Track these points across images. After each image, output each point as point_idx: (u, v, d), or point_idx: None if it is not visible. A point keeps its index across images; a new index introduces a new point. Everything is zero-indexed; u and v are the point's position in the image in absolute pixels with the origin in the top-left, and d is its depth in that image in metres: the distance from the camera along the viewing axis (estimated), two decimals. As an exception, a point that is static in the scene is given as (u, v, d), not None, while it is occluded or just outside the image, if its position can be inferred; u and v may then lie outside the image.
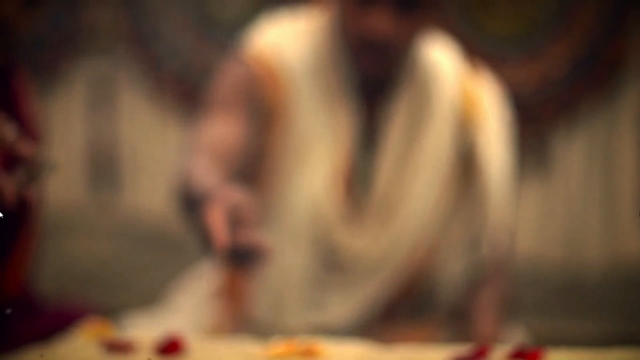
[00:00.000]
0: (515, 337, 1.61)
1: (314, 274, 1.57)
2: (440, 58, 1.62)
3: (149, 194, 3.33)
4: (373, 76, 1.57)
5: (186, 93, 3.25)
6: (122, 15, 3.30)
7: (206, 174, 1.33)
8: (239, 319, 1.57)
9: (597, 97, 3.00)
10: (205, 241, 1.07)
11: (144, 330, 1.50)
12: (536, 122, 3.03)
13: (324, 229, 1.56)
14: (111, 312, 1.49)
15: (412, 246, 1.58)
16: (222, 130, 1.52)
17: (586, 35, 2.99)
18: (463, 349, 1.16)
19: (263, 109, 1.56)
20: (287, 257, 1.56)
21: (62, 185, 3.31)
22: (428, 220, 1.58)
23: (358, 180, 1.58)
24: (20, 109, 1.36)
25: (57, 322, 1.29)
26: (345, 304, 1.57)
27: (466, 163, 1.61)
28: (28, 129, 1.36)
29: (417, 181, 1.58)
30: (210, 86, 1.62)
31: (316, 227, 1.56)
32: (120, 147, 3.36)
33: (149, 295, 2.07)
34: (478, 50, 2.85)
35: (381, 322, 1.58)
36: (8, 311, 1.13)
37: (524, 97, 2.97)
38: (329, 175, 1.56)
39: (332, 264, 1.57)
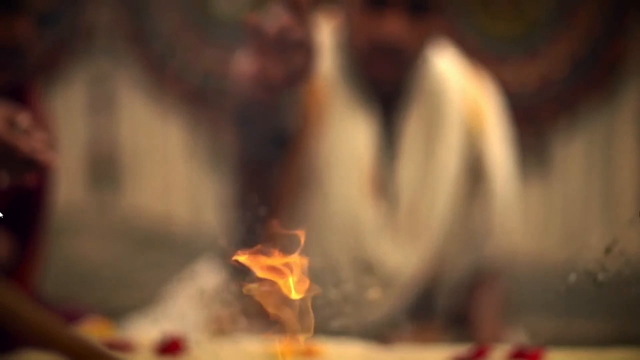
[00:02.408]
0: (516, 337, 1.61)
1: (349, 291, 1.55)
2: (448, 68, 1.62)
3: (149, 194, 3.33)
4: (383, 85, 1.56)
5: (186, 93, 3.25)
6: (122, 15, 3.30)
7: None
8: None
9: (597, 97, 3.00)
10: None
11: (144, 330, 1.50)
12: (536, 122, 3.03)
13: (361, 243, 1.55)
14: (111, 312, 1.49)
15: (432, 256, 1.58)
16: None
17: (586, 35, 2.99)
18: (463, 349, 1.16)
19: (300, 109, 1.53)
20: (324, 269, 1.53)
21: (62, 185, 3.30)
22: (445, 230, 1.58)
23: (386, 192, 1.57)
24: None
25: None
26: (371, 316, 1.56)
27: (473, 171, 1.61)
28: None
29: (436, 193, 1.57)
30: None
31: (353, 241, 1.54)
32: (120, 147, 3.36)
33: (149, 295, 2.07)
34: (478, 50, 2.85)
35: (387, 325, 1.58)
36: None
37: (524, 97, 2.97)
38: (362, 185, 1.54)
39: (367, 280, 1.56)
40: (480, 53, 2.72)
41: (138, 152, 3.34)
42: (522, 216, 3.01)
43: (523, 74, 3.01)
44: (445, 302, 1.61)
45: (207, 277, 1.69)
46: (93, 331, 1.24)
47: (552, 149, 3.06)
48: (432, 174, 1.57)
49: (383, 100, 1.57)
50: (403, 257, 1.56)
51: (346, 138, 1.55)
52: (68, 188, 3.33)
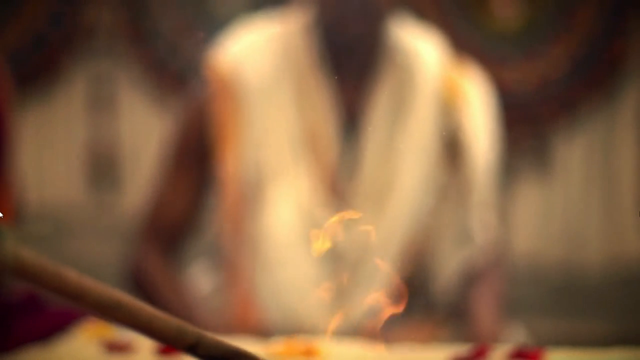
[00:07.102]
0: (515, 337, 1.61)
1: (323, 281, 1.56)
2: (421, 44, 1.64)
3: (149, 194, 3.33)
4: (353, 45, 1.57)
5: (186, 93, 3.25)
6: (122, 15, 3.30)
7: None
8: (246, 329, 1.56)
9: (597, 97, 3.00)
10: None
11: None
12: (536, 122, 3.03)
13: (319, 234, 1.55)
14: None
15: (407, 235, 1.58)
16: (170, 199, 1.67)
17: (586, 35, 2.99)
18: (463, 349, 1.16)
19: (215, 130, 1.58)
20: (293, 270, 1.54)
21: (62, 185, 3.30)
22: (419, 206, 1.58)
23: (344, 173, 1.58)
24: None
25: (58, 321, 1.29)
26: (359, 306, 1.56)
27: (452, 149, 1.62)
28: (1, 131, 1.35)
29: (403, 166, 1.58)
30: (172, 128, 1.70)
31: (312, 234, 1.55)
32: (120, 147, 3.36)
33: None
34: (478, 50, 2.85)
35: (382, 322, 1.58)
36: None
37: (524, 97, 2.97)
38: (313, 177, 1.55)
39: (337, 267, 1.56)
40: (480, 53, 2.72)
41: (138, 152, 3.34)
42: (521, 215, 3.02)
43: (523, 74, 3.01)
44: (443, 296, 1.60)
45: (206, 277, 1.70)
46: (92, 331, 1.24)
47: (552, 148, 3.06)
48: (398, 145, 1.58)
49: (353, 78, 1.59)
50: (366, 231, 1.57)
51: (292, 135, 1.57)
52: (68, 188, 3.33)
